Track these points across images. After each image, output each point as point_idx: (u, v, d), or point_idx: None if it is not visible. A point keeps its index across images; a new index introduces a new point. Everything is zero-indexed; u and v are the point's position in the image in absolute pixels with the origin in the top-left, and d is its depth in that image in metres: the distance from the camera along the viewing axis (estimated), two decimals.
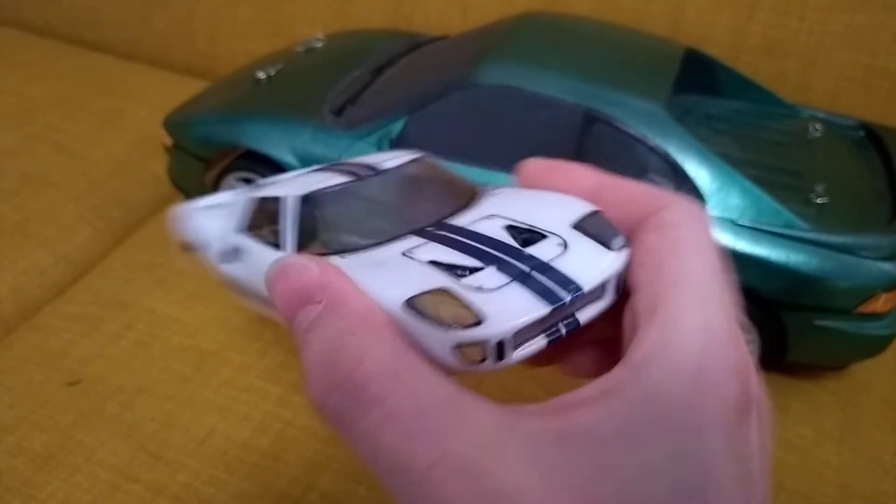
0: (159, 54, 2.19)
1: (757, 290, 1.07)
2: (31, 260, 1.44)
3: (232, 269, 0.69)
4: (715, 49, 1.57)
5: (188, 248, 0.82)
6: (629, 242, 0.54)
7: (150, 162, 1.70)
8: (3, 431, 1.09)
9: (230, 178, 1.37)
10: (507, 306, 0.47)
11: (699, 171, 1.08)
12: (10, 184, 1.58)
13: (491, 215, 0.61)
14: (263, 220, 0.65)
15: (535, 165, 0.67)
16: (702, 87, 1.37)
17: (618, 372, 0.40)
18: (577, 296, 0.49)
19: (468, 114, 1.18)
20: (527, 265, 0.51)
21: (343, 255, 0.55)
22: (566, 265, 0.51)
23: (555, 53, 1.23)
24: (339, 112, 1.31)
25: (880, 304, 1.07)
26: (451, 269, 0.52)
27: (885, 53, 1.47)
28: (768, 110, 1.37)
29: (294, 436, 1.08)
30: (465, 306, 0.46)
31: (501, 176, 1.17)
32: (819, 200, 1.11)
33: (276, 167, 1.30)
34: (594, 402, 0.38)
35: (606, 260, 0.53)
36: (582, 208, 0.59)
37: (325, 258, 0.53)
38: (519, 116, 1.16)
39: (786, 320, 1.09)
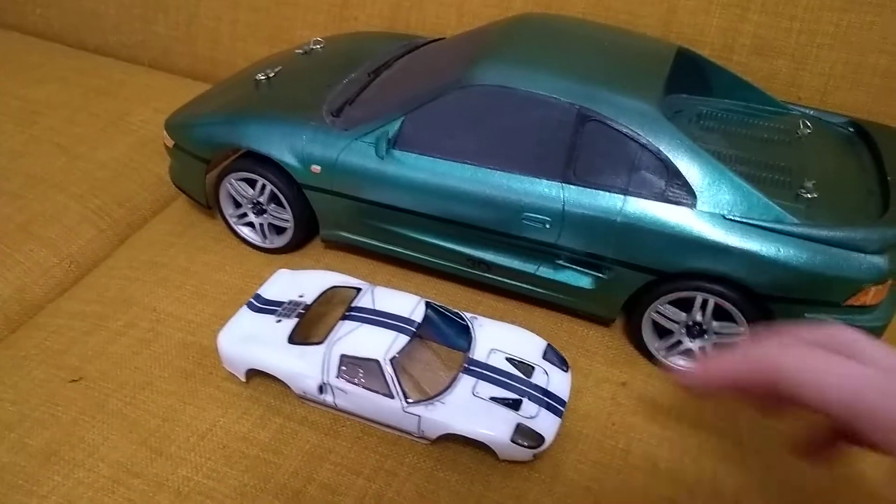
0: (161, 58, 2.21)
1: (747, 284, 1.09)
2: (35, 260, 1.46)
3: (330, 399, 1.08)
4: (706, 49, 1.59)
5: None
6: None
7: (152, 163, 1.72)
8: (5, 428, 1.11)
9: (231, 179, 1.39)
10: (548, 426, 1.03)
11: (690, 168, 1.10)
12: (14, 185, 1.60)
13: (492, 350, 1.12)
14: (353, 370, 1.05)
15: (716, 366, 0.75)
16: (693, 86, 1.40)
17: None
18: (564, 409, 1.07)
19: (464, 113, 1.20)
20: (539, 393, 1.06)
21: (440, 399, 1.03)
22: (554, 388, 1.08)
23: (549, 54, 1.25)
24: (337, 113, 1.34)
25: (870, 296, 1.08)
26: (505, 402, 1.04)
27: (874, 52, 1.49)
28: (759, 108, 1.39)
29: (293, 430, 1.10)
30: (536, 435, 1.01)
31: (496, 174, 1.19)
32: (809, 196, 1.13)
33: (276, 168, 1.33)
34: None
35: (567, 379, 1.12)
36: (540, 343, 1.16)
37: (432, 401, 1.03)
38: (514, 116, 1.18)
39: (776, 313, 1.11)
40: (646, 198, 1.12)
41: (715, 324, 1.16)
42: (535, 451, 1.01)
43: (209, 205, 1.48)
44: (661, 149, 1.11)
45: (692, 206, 1.10)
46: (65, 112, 1.86)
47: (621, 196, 1.13)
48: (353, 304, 1.13)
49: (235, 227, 1.47)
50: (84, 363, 1.21)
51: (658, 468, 1.07)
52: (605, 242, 1.15)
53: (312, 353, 1.07)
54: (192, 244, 1.49)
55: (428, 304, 1.13)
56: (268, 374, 1.11)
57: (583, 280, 1.22)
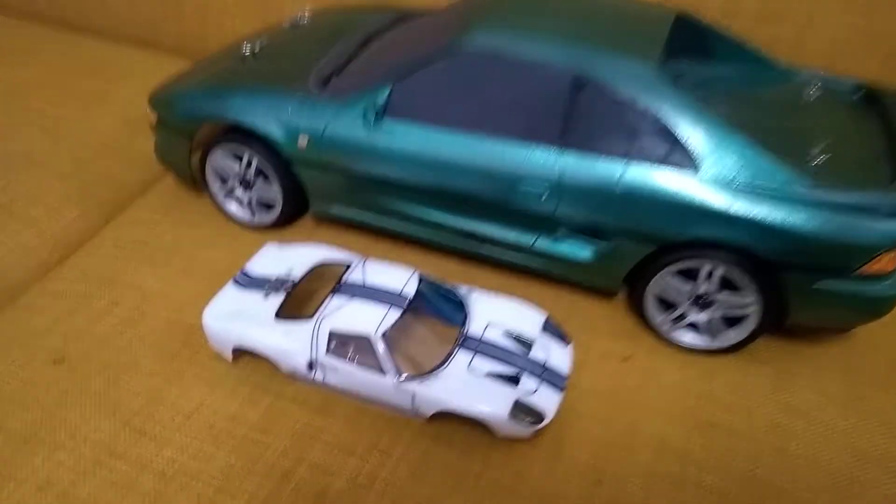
0: (148, 35, 2.15)
1: (755, 252, 1.05)
2: (18, 240, 1.42)
3: (320, 377, 1.05)
4: (708, 14, 1.54)
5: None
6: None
7: (137, 142, 1.67)
8: None
9: (216, 154, 1.35)
10: (548, 402, 0.99)
11: (693, 133, 1.05)
12: None
13: (489, 324, 1.07)
14: (343, 347, 1.01)
15: None
16: (694, 51, 1.34)
17: None
18: (565, 384, 1.03)
19: (455, 81, 1.15)
20: (538, 369, 1.02)
21: (435, 375, 0.99)
22: (554, 363, 1.04)
23: (542, 19, 1.20)
24: (324, 83, 1.29)
25: (884, 263, 1.04)
26: (503, 378, 1.00)
27: (882, 15, 1.44)
28: (763, 73, 1.34)
29: (283, 408, 1.05)
30: (535, 412, 0.97)
31: (490, 142, 1.14)
32: (818, 160, 1.08)
33: (262, 141, 1.28)
34: None
35: (568, 353, 1.08)
36: (539, 316, 1.11)
37: (426, 377, 0.99)
38: (507, 82, 1.13)
39: (786, 282, 1.07)
40: (647, 163, 1.07)
41: (721, 294, 1.12)
42: (534, 427, 0.97)
43: (195, 182, 1.43)
44: (661, 112, 1.06)
45: (696, 171, 1.05)
46: (49, 93, 1.81)
47: (622, 162, 1.08)
48: (343, 279, 1.09)
49: (222, 204, 1.42)
50: (67, 344, 1.16)
51: (666, 445, 1.03)
52: (606, 211, 1.10)
53: (300, 329, 1.03)
54: (179, 222, 1.44)
55: (421, 278, 1.09)
56: (256, 353, 1.07)
57: (583, 252, 1.18)
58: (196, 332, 1.15)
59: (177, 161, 1.43)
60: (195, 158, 1.40)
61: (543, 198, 1.12)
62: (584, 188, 1.10)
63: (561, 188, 1.11)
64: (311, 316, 1.04)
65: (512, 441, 1.01)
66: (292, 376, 1.07)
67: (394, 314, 1.01)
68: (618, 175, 1.08)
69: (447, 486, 0.95)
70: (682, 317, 1.17)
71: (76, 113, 1.75)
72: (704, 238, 1.06)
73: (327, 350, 1.01)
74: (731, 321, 1.14)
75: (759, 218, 1.03)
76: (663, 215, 1.07)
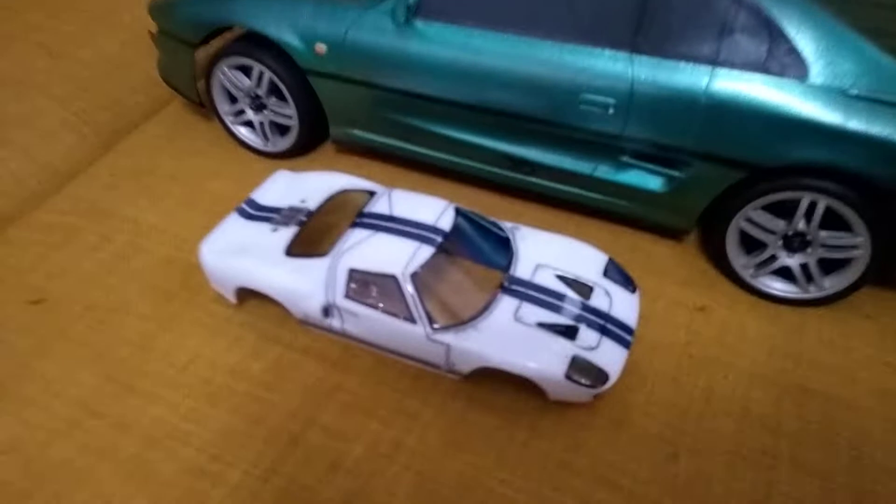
0: None
1: (871, 178, 0.84)
2: (7, 168, 1.26)
3: (337, 324, 0.88)
4: None
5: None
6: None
7: (144, 63, 1.50)
8: None
9: (223, 67, 1.17)
10: (611, 359, 0.81)
11: (800, 29, 0.84)
12: None
13: (539, 266, 0.90)
14: (365, 289, 0.84)
15: None
16: None
17: None
18: (632, 338, 0.85)
19: None
20: (600, 319, 0.84)
21: (474, 325, 0.82)
22: (618, 313, 0.86)
23: None
24: None
25: None
26: (557, 329, 0.82)
27: None
28: None
29: (293, 361, 0.89)
30: (596, 371, 0.79)
31: (545, 46, 0.94)
32: None
33: (275, 50, 1.09)
34: None
35: (635, 302, 0.89)
36: (599, 257, 0.92)
37: (463, 326, 0.82)
38: None
39: None
40: (741, 69, 0.87)
41: (822, 233, 0.92)
42: (595, 390, 0.79)
43: (201, 101, 1.26)
44: (762, 6, 0.85)
45: (803, 78, 0.85)
46: (46, 7, 1.64)
47: (708, 68, 0.88)
48: (365, 210, 0.91)
49: (232, 128, 1.25)
50: (49, 282, 1.02)
51: (751, 414, 0.85)
52: (685, 130, 0.91)
53: (315, 267, 0.86)
54: (184, 149, 1.28)
55: (458, 211, 0.91)
56: (263, 295, 0.90)
57: (653, 181, 0.98)
58: (196, 272, 0.99)
59: (181, 78, 1.26)
60: (201, 75, 1.22)
61: (609, 112, 0.93)
62: (660, 101, 0.90)
63: (631, 102, 0.91)
64: (328, 252, 0.86)
65: (566, 405, 0.84)
66: (305, 323, 0.90)
67: (425, 251, 0.83)
68: (703, 84, 0.88)
69: (486, 459, 0.79)
70: (770, 260, 0.97)
71: (77, 30, 1.58)
72: (810, 162, 0.86)
73: (346, 292, 0.84)
74: (830, 266, 0.95)
75: (879, 136, 0.83)
76: (759, 134, 0.87)
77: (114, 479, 0.77)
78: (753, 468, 0.79)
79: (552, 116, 0.97)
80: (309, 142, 1.22)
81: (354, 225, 0.89)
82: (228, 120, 1.24)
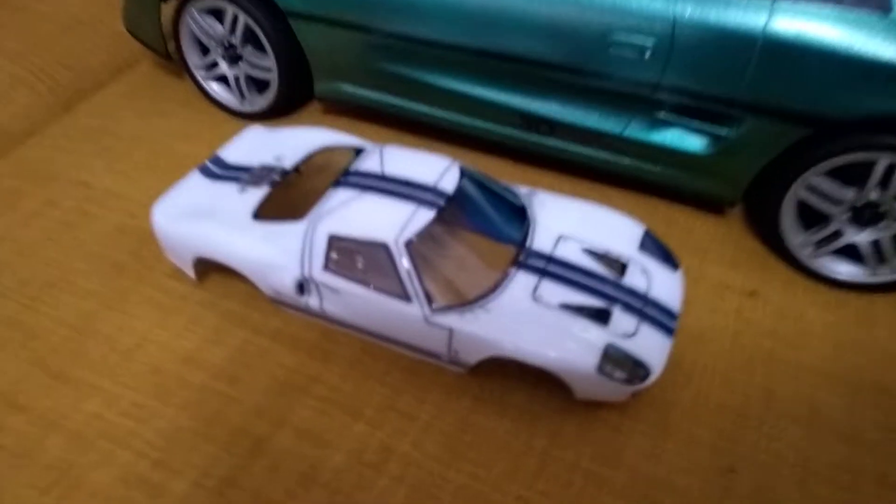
0: None
1: None
2: None
3: (314, 302, 0.72)
4: None
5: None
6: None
7: (111, 18, 1.36)
8: None
9: (192, 11, 1.02)
10: (654, 350, 0.67)
11: None
12: None
13: (560, 237, 0.75)
14: (349, 260, 0.68)
15: None
16: None
17: None
18: (675, 325, 0.72)
19: None
20: (637, 301, 0.70)
21: (483, 305, 0.68)
22: (659, 294, 0.72)
23: None
24: None
25: None
26: (585, 312, 0.68)
27: None
28: None
29: (261, 348, 0.75)
30: (635, 363, 0.66)
31: None
32: None
33: None
34: None
35: (677, 282, 0.75)
36: (635, 228, 0.78)
37: (469, 307, 0.67)
38: None
39: None
40: (806, 3, 0.71)
41: None
42: (633, 387, 0.64)
43: (169, 54, 1.11)
44: None
45: (886, 11, 0.70)
46: None
47: (766, 4, 0.72)
48: (351, 168, 0.76)
49: (204, 84, 1.10)
50: None
51: (820, 417, 0.70)
52: (737, 78, 0.78)
53: (288, 233, 0.71)
54: (150, 109, 1.14)
55: (463, 171, 0.75)
56: (227, 268, 0.75)
57: (694, 142, 0.84)
58: (152, 243, 0.85)
59: (146, 27, 1.11)
60: (168, 24, 1.08)
61: (646, 57, 0.77)
62: (707, 42, 0.77)
63: (672, 43, 0.78)
64: (304, 217, 0.71)
65: (595, 406, 0.70)
66: (276, 302, 0.76)
67: (424, 215, 0.68)
68: (762, 22, 0.72)
69: (495, 471, 0.65)
70: (833, 236, 0.82)
71: None
72: (890, 114, 0.71)
73: (325, 264, 0.68)
74: None
75: None
76: (828, 80, 0.74)
77: (29, 492, 0.62)
78: (829, 485, 0.65)
79: (575, 63, 0.84)
80: (290, 100, 1.08)
81: (338, 184, 0.74)
82: (200, 75, 1.10)
